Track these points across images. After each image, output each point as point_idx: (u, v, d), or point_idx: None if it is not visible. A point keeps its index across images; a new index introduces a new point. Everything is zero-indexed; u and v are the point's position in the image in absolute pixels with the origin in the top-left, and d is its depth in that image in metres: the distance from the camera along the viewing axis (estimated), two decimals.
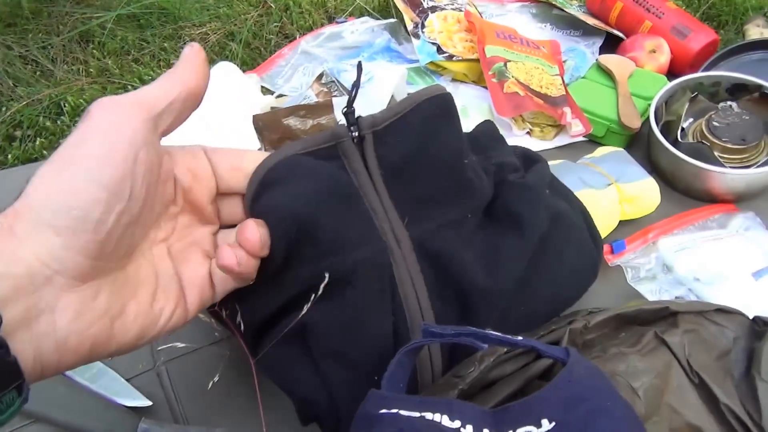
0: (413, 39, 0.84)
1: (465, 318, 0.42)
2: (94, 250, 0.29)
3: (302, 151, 0.38)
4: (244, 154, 0.38)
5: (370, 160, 0.39)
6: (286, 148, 0.38)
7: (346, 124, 0.39)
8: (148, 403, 0.51)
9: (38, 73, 0.83)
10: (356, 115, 0.39)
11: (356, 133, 0.39)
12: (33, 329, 0.28)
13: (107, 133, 0.30)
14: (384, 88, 0.40)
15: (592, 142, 0.78)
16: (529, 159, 0.54)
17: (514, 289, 0.44)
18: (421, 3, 0.87)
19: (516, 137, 0.75)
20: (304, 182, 0.37)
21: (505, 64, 0.78)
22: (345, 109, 0.38)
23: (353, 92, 0.39)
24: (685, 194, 0.71)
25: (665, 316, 0.46)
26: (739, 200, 0.70)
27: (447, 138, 0.41)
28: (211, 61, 0.93)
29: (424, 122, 0.40)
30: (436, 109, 0.41)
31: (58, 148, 0.30)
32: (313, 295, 0.38)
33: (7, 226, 0.28)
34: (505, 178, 0.48)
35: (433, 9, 0.87)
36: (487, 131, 0.54)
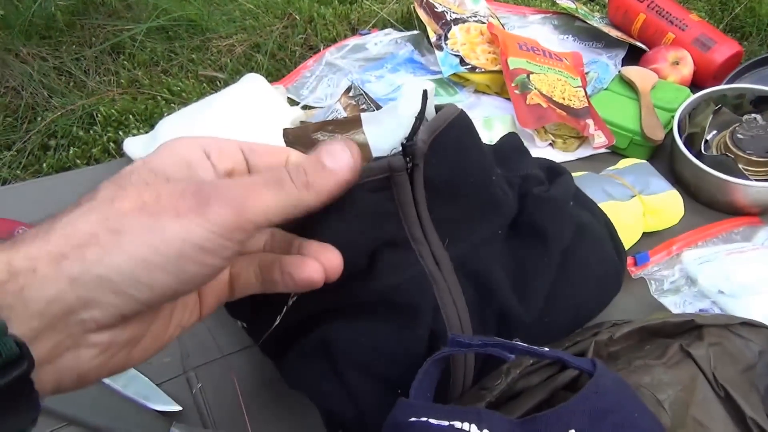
0: (436, 51, 0.85)
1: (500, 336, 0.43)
2: (139, 310, 0.28)
3: (355, 186, 0.35)
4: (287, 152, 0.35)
5: (417, 188, 0.38)
6: None
7: (402, 154, 0.37)
8: (178, 408, 0.53)
9: (72, 83, 0.86)
10: (406, 141, 0.38)
11: (411, 164, 0.38)
12: (57, 364, 0.27)
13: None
14: (413, 103, 0.41)
15: (615, 153, 0.78)
16: (554, 171, 0.54)
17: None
18: (444, 15, 0.88)
19: (539, 149, 0.76)
20: (355, 223, 0.36)
21: (528, 76, 0.79)
22: (405, 141, 0.37)
23: (417, 124, 0.38)
24: (709, 206, 0.71)
25: (690, 329, 0.46)
26: (763, 213, 0.70)
27: (476, 156, 0.42)
28: (238, 72, 0.95)
29: (456, 142, 0.40)
30: (462, 128, 0.41)
31: (145, 194, 0.28)
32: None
33: (57, 254, 0.26)
34: (529, 191, 0.48)
35: (456, 21, 0.88)
36: (512, 144, 0.54)
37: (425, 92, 0.38)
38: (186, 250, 0.27)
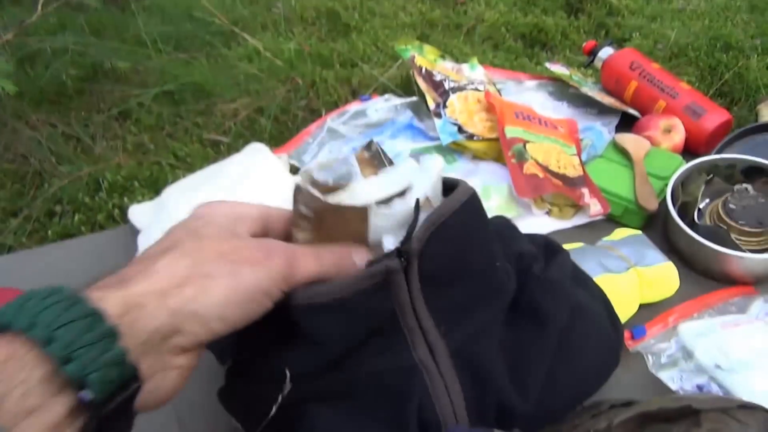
0: (435, 118, 0.87)
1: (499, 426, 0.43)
2: (212, 338, 0.34)
3: (353, 291, 0.37)
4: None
5: (413, 282, 0.39)
6: (336, 288, 0.37)
7: (396, 254, 0.38)
8: None
9: (79, 149, 0.88)
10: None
11: (406, 263, 0.38)
12: (146, 384, 0.31)
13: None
14: (421, 191, 0.41)
15: (610, 220, 0.79)
16: (551, 249, 0.56)
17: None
18: (443, 84, 0.91)
19: (535, 217, 0.78)
20: (350, 317, 0.38)
21: (524, 145, 0.81)
22: (402, 244, 0.38)
23: (410, 230, 0.38)
24: (704, 275, 0.72)
25: (688, 414, 0.46)
26: (758, 282, 0.71)
27: (482, 243, 0.42)
28: (241, 136, 0.97)
29: (461, 229, 0.40)
30: (470, 213, 0.41)
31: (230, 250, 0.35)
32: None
33: (161, 292, 0.32)
34: (527, 269, 0.49)
35: (454, 89, 0.91)
36: (503, 222, 0.56)
37: (417, 201, 0.38)
38: (255, 293, 0.35)
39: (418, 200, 0.39)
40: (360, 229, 0.39)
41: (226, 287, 0.33)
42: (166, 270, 0.33)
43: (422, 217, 0.39)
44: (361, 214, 0.38)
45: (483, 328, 0.43)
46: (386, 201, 0.39)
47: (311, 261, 0.37)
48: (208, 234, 0.36)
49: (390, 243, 0.39)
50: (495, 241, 0.44)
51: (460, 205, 0.40)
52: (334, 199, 0.39)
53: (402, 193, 0.40)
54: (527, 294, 0.48)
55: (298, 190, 0.39)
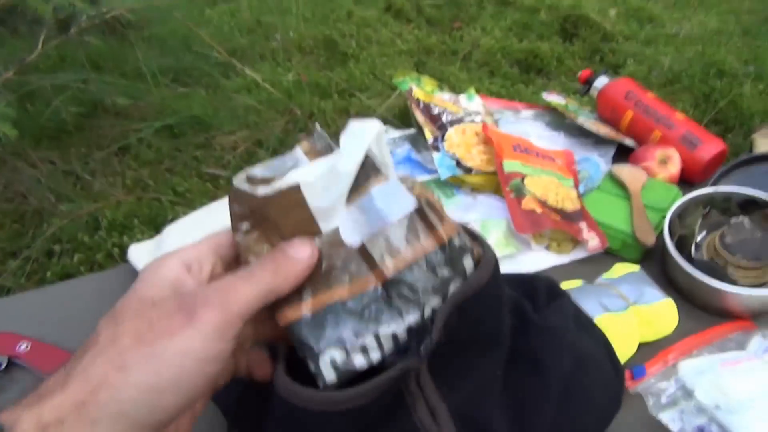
0: (433, 152, 0.88)
1: None
2: (157, 429, 0.31)
3: (371, 399, 0.35)
4: None
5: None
6: (352, 396, 0.34)
7: (414, 352, 0.36)
8: None
9: (79, 186, 0.88)
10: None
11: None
12: None
13: (196, 346, 0.31)
14: (355, 156, 0.35)
15: (608, 253, 0.80)
16: (553, 293, 0.56)
17: None
18: (440, 117, 0.92)
19: (534, 252, 0.78)
20: (360, 421, 0.36)
21: (522, 180, 0.81)
22: (422, 350, 0.35)
23: (431, 345, 0.36)
24: (703, 309, 0.72)
25: None
26: (756, 317, 0.71)
27: (496, 312, 0.41)
28: (240, 169, 0.98)
29: (480, 307, 0.38)
30: (491, 288, 0.39)
31: (141, 326, 0.31)
32: None
33: (78, 402, 0.29)
34: (525, 316, 0.49)
35: (452, 123, 0.92)
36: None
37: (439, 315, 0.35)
38: (187, 365, 0.30)
39: (366, 162, 0.35)
40: (303, 216, 0.34)
41: (146, 374, 0.30)
42: (81, 375, 0.30)
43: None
44: (295, 197, 0.34)
45: (483, 384, 0.43)
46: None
47: (245, 287, 0.32)
48: (125, 314, 0.32)
49: (346, 227, 0.36)
50: (506, 305, 0.44)
51: (480, 287, 0.38)
52: (264, 190, 0.34)
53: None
54: (526, 342, 0.47)
55: (231, 191, 0.34)
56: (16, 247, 0.78)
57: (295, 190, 0.33)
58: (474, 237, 0.40)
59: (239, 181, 0.34)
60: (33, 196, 0.82)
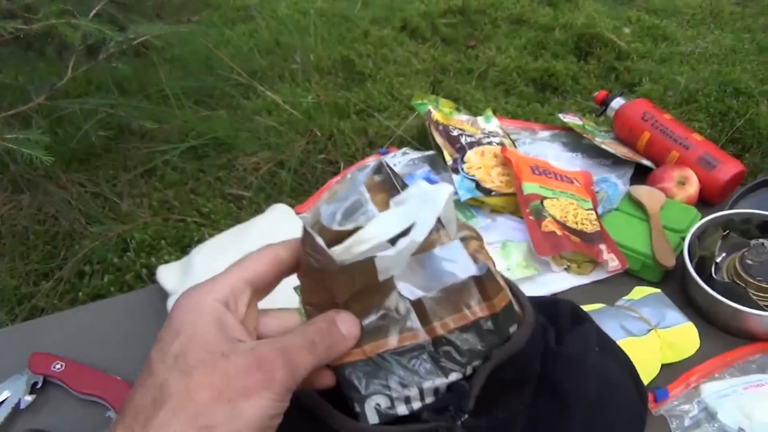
0: (453, 174, 0.89)
1: None
2: None
3: None
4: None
5: None
6: None
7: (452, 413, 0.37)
8: None
9: (107, 208, 0.90)
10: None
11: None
12: None
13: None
14: (426, 226, 0.35)
15: (628, 274, 0.80)
16: (576, 318, 0.56)
17: None
18: (459, 139, 0.93)
19: (555, 274, 0.79)
20: None
21: (542, 202, 0.83)
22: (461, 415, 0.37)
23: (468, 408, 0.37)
24: (724, 331, 0.73)
25: None
26: None
27: (531, 366, 0.42)
28: (262, 189, 1.00)
29: (515, 367, 0.39)
30: (528, 347, 0.39)
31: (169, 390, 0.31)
32: None
33: None
34: (548, 345, 0.50)
35: (471, 144, 0.93)
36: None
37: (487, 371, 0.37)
38: (265, 424, 0.32)
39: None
40: (368, 282, 0.36)
41: None
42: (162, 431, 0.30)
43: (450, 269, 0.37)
44: (367, 265, 0.34)
45: (510, 418, 0.43)
46: (392, 240, 0.35)
47: (307, 356, 0.34)
48: (193, 363, 0.32)
49: (405, 279, 0.37)
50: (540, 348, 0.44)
51: (519, 349, 0.38)
52: (340, 256, 0.34)
53: (406, 232, 0.35)
54: (547, 372, 0.48)
55: (306, 236, 0.35)
56: (49, 268, 0.80)
57: (369, 261, 0.34)
58: (515, 295, 0.40)
59: (311, 226, 0.35)
60: (64, 218, 0.84)
